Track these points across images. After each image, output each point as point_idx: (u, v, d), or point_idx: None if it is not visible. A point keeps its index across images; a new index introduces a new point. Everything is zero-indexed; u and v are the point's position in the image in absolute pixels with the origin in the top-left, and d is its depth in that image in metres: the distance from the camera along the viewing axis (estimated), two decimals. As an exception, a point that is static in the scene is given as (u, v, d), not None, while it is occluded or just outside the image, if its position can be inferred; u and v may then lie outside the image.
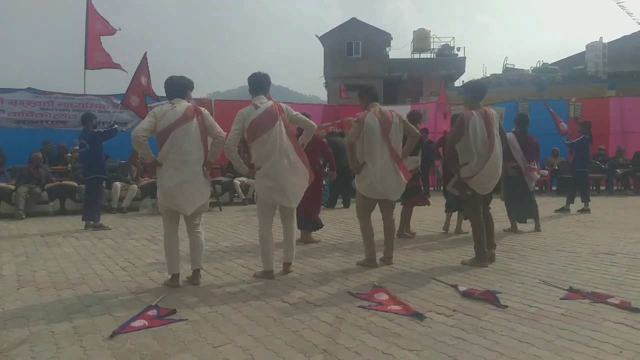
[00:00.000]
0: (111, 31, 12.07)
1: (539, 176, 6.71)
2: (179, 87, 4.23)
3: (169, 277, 4.19)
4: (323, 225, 6.38)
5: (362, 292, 3.84)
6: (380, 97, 28.43)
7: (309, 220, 6.08)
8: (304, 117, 4.62)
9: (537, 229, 6.81)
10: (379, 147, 4.61)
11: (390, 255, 4.95)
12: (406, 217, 6.53)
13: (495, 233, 6.60)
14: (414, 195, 6.38)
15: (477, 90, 4.94)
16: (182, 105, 4.11)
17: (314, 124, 4.68)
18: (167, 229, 4.22)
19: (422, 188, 6.71)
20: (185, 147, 4.00)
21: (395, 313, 3.35)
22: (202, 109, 4.26)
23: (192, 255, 4.24)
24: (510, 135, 6.81)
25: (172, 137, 3.98)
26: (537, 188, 12.60)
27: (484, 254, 4.79)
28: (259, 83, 4.47)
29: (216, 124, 4.22)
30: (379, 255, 4.89)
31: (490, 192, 5.02)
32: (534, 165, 6.78)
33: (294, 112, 4.50)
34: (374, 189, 4.66)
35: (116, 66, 12.09)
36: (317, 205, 6.30)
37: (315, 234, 6.27)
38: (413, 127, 5.03)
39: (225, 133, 4.22)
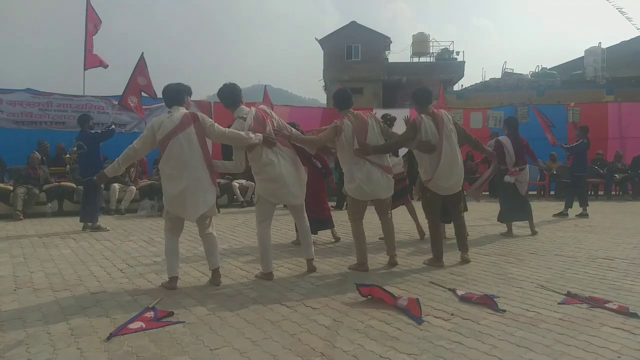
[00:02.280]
0: (96, 24, 12.03)
1: (512, 180, 6.71)
2: (176, 94, 4.25)
3: (167, 279, 4.19)
4: (334, 226, 6.42)
5: (364, 285, 3.85)
6: (379, 99, 28.52)
7: (315, 220, 6.01)
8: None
9: (533, 232, 6.81)
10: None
11: (393, 254, 4.98)
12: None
13: (492, 237, 6.66)
14: (402, 198, 6.51)
15: (423, 96, 5.08)
16: (180, 112, 4.12)
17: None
18: (169, 231, 4.24)
19: (408, 190, 6.90)
20: (185, 154, 4.00)
21: (398, 306, 3.38)
22: (199, 113, 4.27)
23: (208, 256, 4.28)
24: (504, 138, 6.89)
25: (171, 145, 4.00)
26: (534, 192, 12.68)
27: (440, 255, 4.98)
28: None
29: (215, 126, 4.20)
30: (375, 258, 4.89)
31: (458, 195, 5.14)
32: (516, 169, 6.78)
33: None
34: (362, 191, 4.68)
35: (97, 63, 12.09)
36: (324, 203, 6.33)
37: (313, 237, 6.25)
38: (388, 127, 5.13)
39: (226, 129, 4.22)
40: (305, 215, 4.75)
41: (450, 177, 4.86)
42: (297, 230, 6.02)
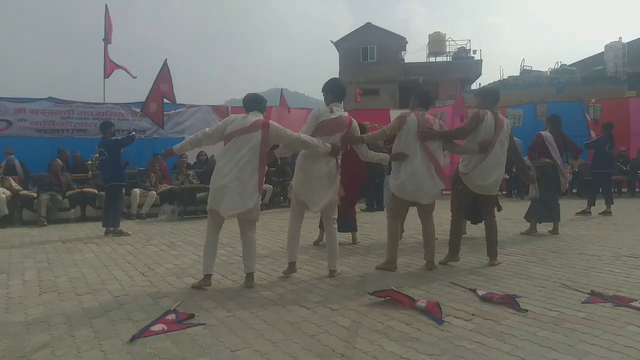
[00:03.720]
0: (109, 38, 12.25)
1: (570, 177, 6.73)
2: (259, 103, 4.47)
3: (202, 277, 4.31)
4: (356, 229, 6.43)
5: (380, 290, 3.83)
6: (396, 100, 28.41)
7: (344, 219, 5.97)
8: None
9: (555, 232, 6.70)
10: (413, 148, 4.64)
11: (432, 258, 4.90)
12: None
13: (513, 236, 6.57)
14: None
15: (492, 95, 5.12)
16: (254, 117, 4.29)
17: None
18: (209, 228, 4.39)
19: None
20: (241, 154, 4.13)
21: (417, 307, 3.36)
22: (272, 122, 4.40)
23: (244, 260, 4.36)
24: (546, 133, 6.88)
25: (233, 142, 4.19)
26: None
27: (456, 250, 5.03)
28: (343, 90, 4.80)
29: (288, 132, 4.34)
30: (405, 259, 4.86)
31: (492, 198, 5.11)
32: (567, 165, 6.83)
33: None
34: (403, 189, 4.67)
35: (114, 68, 12.31)
36: (352, 204, 6.35)
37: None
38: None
39: (300, 134, 4.39)
40: (335, 224, 4.70)
41: (488, 177, 4.86)
42: (321, 231, 6.06)
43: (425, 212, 4.88)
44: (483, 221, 5.29)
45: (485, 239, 5.11)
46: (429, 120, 4.73)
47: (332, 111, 4.54)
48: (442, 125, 4.92)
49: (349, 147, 4.78)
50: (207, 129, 4.42)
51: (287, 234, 4.73)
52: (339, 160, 4.64)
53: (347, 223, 6.19)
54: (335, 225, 4.70)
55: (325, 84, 4.74)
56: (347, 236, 6.44)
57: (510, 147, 5.07)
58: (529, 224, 6.89)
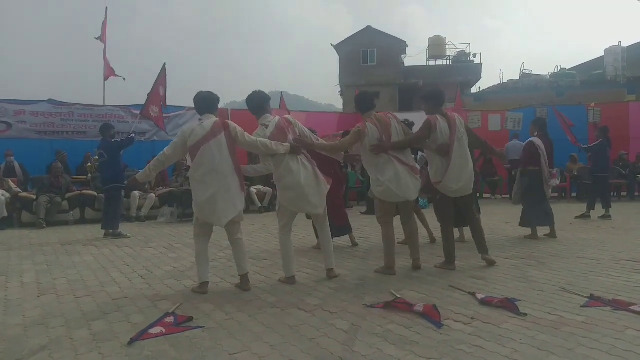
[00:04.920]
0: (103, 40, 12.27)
1: (557, 182, 6.66)
2: (208, 102, 4.34)
3: (198, 284, 4.30)
4: (352, 231, 6.43)
5: (377, 303, 3.79)
6: (396, 103, 28.44)
7: (333, 226, 6.04)
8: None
9: (553, 235, 6.70)
10: (384, 156, 4.63)
11: (417, 257, 4.94)
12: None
13: (512, 240, 6.57)
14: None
15: (436, 97, 5.06)
16: (211, 120, 4.21)
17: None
18: (197, 237, 4.33)
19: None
20: (216, 161, 4.09)
21: (414, 311, 3.35)
22: (230, 122, 4.33)
23: (237, 262, 4.33)
24: (537, 140, 6.80)
25: (202, 152, 4.09)
26: (555, 194, 12.48)
27: (452, 258, 4.94)
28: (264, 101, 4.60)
29: (246, 134, 4.27)
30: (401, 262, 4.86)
31: (469, 198, 5.12)
32: (554, 171, 6.75)
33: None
34: (391, 192, 4.65)
35: (111, 74, 12.35)
36: (340, 209, 6.34)
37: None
38: (409, 129, 5.14)
39: (257, 138, 4.28)
40: (328, 224, 4.71)
41: (460, 179, 4.83)
42: (317, 236, 6.04)
43: (407, 212, 4.97)
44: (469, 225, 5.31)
45: (473, 238, 5.16)
46: (384, 119, 4.75)
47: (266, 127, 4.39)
48: (398, 120, 4.90)
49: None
50: (165, 149, 4.29)
51: (280, 249, 4.56)
52: (310, 159, 4.53)
53: (339, 229, 6.17)
54: (327, 224, 4.70)
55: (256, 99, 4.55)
56: (345, 239, 6.44)
57: (470, 138, 5.00)
58: (525, 229, 6.87)
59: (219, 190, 4.08)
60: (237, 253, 4.32)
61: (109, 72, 12.23)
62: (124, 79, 12.61)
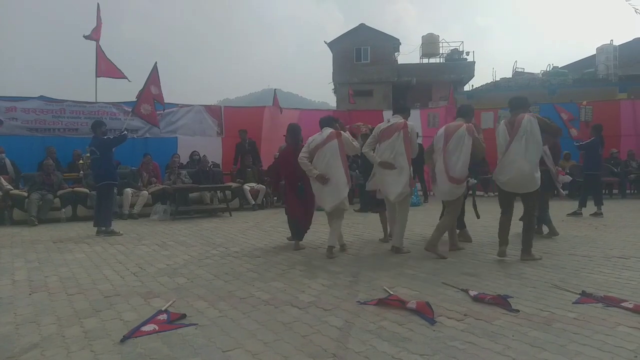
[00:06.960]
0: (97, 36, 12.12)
1: (569, 179, 6.74)
2: (330, 122, 5.76)
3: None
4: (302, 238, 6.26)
5: (370, 300, 3.80)
6: (389, 101, 28.46)
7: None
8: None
9: (555, 233, 6.72)
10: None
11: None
12: (384, 223, 6.62)
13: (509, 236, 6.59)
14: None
15: (522, 104, 5.48)
16: (327, 131, 5.61)
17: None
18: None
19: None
20: (328, 160, 5.46)
21: (407, 308, 3.36)
22: (342, 132, 5.68)
23: (330, 236, 5.56)
24: None
25: (318, 154, 5.50)
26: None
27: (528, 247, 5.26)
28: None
29: (353, 142, 5.73)
30: (386, 259, 4.88)
31: (525, 196, 5.22)
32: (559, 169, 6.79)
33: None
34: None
35: (120, 75, 12.21)
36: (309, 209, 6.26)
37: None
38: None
39: (359, 145, 5.87)
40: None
41: (506, 173, 5.11)
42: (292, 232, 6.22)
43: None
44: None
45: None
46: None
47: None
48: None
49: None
50: (302, 151, 5.62)
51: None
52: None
53: (300, 230, 6.11)
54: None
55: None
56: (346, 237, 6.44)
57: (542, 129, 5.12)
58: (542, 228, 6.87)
59: (329, 183, 5.48)
60: (332, 231, 5.57)
61: (113, 73, 12.11)
62: (129, 80, 12.49)
